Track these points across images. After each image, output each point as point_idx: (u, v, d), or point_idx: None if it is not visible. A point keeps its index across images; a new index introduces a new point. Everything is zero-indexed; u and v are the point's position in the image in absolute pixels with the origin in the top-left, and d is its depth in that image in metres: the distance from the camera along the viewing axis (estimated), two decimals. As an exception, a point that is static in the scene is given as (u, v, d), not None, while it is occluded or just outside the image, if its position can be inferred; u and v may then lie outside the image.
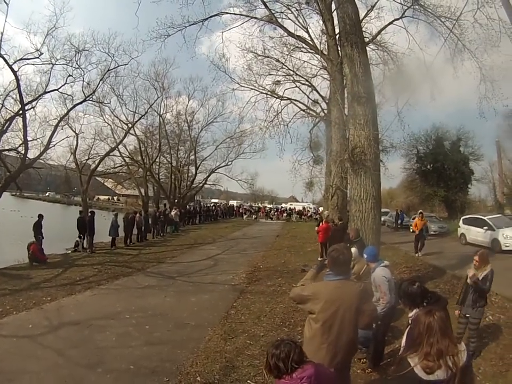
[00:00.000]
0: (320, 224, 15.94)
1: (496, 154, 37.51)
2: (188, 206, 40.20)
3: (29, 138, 18.14)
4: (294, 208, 57.71)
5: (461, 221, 20.02)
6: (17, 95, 17.46)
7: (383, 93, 21.31)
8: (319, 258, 13.64)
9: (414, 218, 27.67)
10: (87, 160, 30.66)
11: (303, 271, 12.15)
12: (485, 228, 16.86)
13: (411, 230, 26.75)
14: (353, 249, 6.12)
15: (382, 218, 18.31)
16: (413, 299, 3.65)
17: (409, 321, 3.59)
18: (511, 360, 5.52)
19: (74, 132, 27.58)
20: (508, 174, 37.22)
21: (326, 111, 25.51)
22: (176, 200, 38.17)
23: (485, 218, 17.74)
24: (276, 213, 53.45)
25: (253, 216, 51.26)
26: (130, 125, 31.77)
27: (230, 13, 18.59)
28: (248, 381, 5.05)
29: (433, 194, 36.80)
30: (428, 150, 38.76)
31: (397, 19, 18.22)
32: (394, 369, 2.62)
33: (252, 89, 26.82)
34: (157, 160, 37.67)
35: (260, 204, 72.49)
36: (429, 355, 2.35)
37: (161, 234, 24.96)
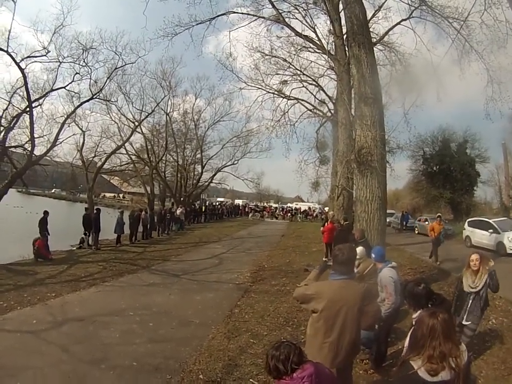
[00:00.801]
0: (326, 225, 15.92)
1: (502, 156, 37.35)
2: (193, 205, 40.25)
3: (35, 135, 18.22)
4: (300, 208, 57.69)
5: (466, 224, 19.87)
6: (25, 92, 17.55)
7: (389, 94, 21.26)
8: (324, 259, 13.63)
9: (420, 220, 27.67)
10: (93, 157, 30.78)
11: (306, 270, 12.17)
12: (490, 230, 16.75)
13: (416, 232, 26.81)
14: (359, 248, 6.11)
15: (388, 220, 18.19)
16: (417, 300, 3.64)
17: (413, 322, 3.58)
18: (513, 364, 5.49)
19: (81, 129, 27.69)
20: (514, 176, 36.98)
21: (332, 111, 25.50)
22: (182, 199, 38.24)
23: (490, 221, 17.62)
24: (281, 213, 53.45)
25: (258, 215, 51.27)
26: (137, 123, 31.83)
27: (237, 12, 18.66)
28: (250, 380, 5.05)
29: (439, 196, 36.63)
30: (434, 152, 38.59)
31: (404, 20, 18.21)
32: (397, 371, 2.60)
33: (259, 88, 26.89)
34: (163, 158, 37.70)
35: (265, 203, 72.47)
36: (432, 358, 2.34)
37: (167, 232, 25.05)
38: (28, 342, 6.06)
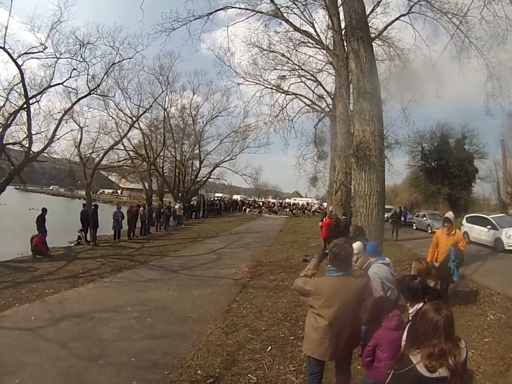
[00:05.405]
0: (324, 219, 15.91)
1: (500, 152, 37.42)
2: (191, 200, 40.21)
3: (33, 132, 18.05)
4: (298, 203, 57.80)
5: (464, 219, 19.84)
6: (22, 89, 17.35)
7: (388, 89, 21.24)
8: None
9: (418, 216, 27.59)
10: (91, 153, 30.58)
11: (305, 261, 12.17)
12: (488, 227, 16.70)
13: (414, 228, 26.75)
14: (357, 243, 6.08)
15: (385, 215, 18.08)
16: (413, 294, 3.62)
17: (410, 317, 3.56)
18: (511, 359, 5.49)
19: (79, 125, 27.50)
20: (512, 173, 37.08)
21: (331, 107, 25.55)
22: (180, 194, 38.21)
23: (489, 217, 17.55)
24: (279, 208, 53.53)
25: (257, 210, 51.28)
26: (134, 119, 31.66)
27: (236, 7, 18.60)
28: (249, 375, 5.04)
29: (437, 192, 36.74)
30: (433, 147, 38.68)
31: (403, 15, 18.17)
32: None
33: (257, 83, 26.82)
34: (161, 154, 37.66)
35: (263, 199, 72.50)
36: (431, 356, 2.34)
37: (165, 228, 25.05)
38: (26, 339, 6.04)
